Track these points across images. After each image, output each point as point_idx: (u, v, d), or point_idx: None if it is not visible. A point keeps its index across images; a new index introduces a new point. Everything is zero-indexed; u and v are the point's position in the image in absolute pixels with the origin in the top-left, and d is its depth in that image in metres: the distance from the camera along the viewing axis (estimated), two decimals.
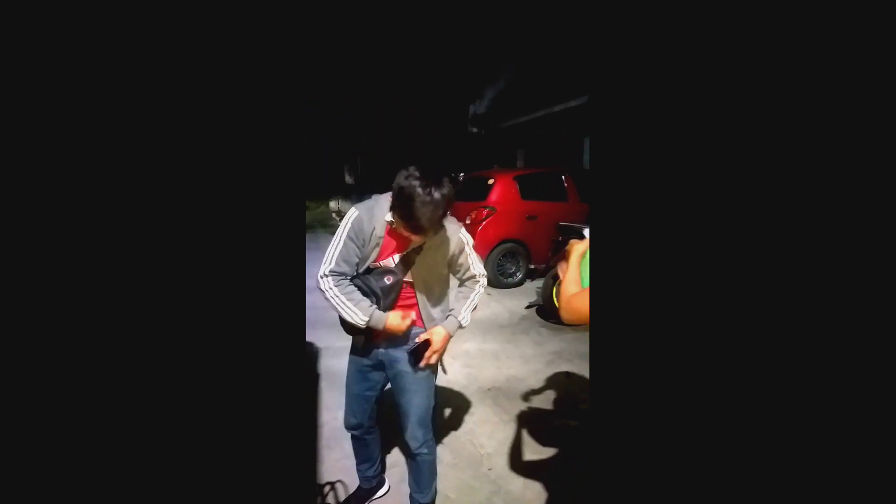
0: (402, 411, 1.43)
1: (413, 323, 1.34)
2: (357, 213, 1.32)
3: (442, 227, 1.28)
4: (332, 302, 1.31)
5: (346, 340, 3.45)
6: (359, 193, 12.08)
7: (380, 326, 1.30)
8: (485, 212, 4.61)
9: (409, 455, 1.49)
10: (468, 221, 4.71)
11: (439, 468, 1.86)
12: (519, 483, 1.77)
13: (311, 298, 3.67)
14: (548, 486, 1.75)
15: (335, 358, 2.99)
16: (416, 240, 1.25)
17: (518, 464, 1.88)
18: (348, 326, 1.36)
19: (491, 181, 4.83)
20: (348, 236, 1.31)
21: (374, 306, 1.30)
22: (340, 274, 1.32)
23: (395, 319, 1.30)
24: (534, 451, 1.96)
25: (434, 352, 1.33)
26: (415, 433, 1.42)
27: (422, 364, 1.34)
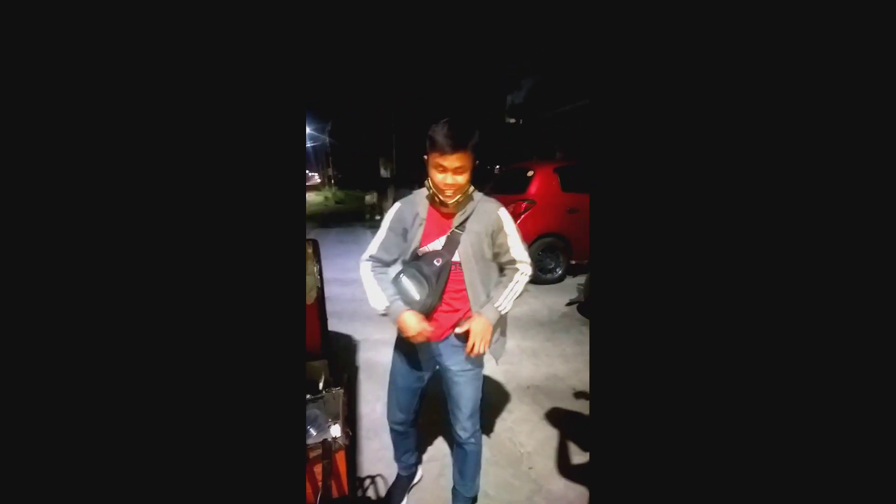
0: (453, 402, 1.43)
1: (428, 338, 1.32)
2: (399, 205, 1.39)
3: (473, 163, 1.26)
4: (364, 285, 1.36)
5: (384, 333, 3.49)
6: (396, 186, 12.21)
7: (393, 318, 1.31)
8: (524, 205, 4.52)
9: (457, 445, 1.49)
10: None
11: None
12: (560, 484, 1.73)
13: (349, 291, 3.75)
14: (590, 488, 1.70)
15: (373, 350, 3.03)
16: (443, 183, 1.24)
17: (559, 464, 1.84)
18: None
19: (530, 173, 4.72)
20: (390, 227, 1.38)
21: (398, 297, 1.32)
22: (379, 261, 1.38)
23: (410, 319, 1.28)
24: (575, 452, 1.91)
25: (477, 341, 1.30)
26: (465, 424, 1.43)
27: (468, 354, 1.32)
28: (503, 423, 2.15)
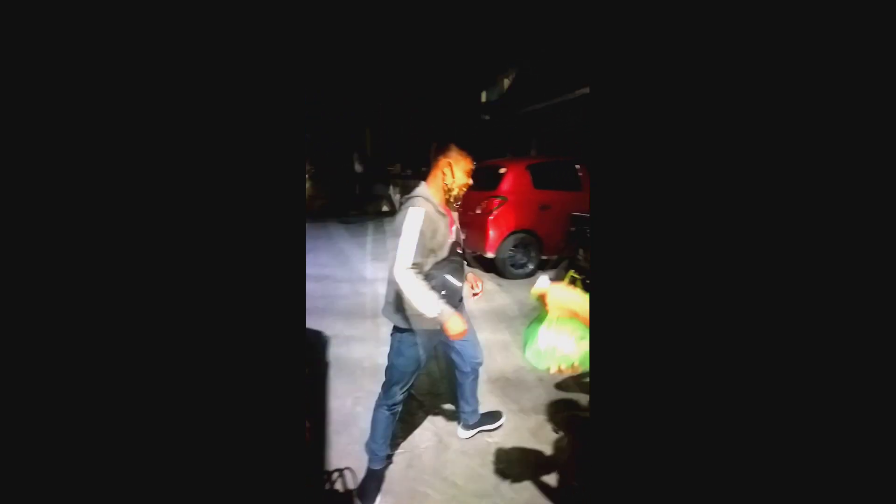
0: (462, 360, 1.87)
1: (465, 332, 1.53)
2: (423, 209, 1.50)
3: None
4: (410, 293, 1.46)
5: (355, 329, 3.48)
6: (368, 183, 12.10)
7: (443, 320, 1.46)
8: (496, 201, 4.57)
9: (462, 373, 1.89)
10: (479, 211, 4.67)
11: (447, 456, 1.87)
12: (527, 472, 1.77)
13: (321, 287, 3.75)
14: (556, 476, 1.75)
15: (344, 346, 3.02)
16: (468, 182, 1.65)
17: (526, 453, 1.88)
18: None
19: (503, 170, 4.77)
20: (422, 231, 1.48)
21: (444, 301, 1.48)
22: (417, 266, 1.49)
23: (458, 320, 1.48)
24: (542, 441, 1.96)
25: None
26: (473, 364, 1.90)
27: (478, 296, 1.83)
28: None
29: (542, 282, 0.95)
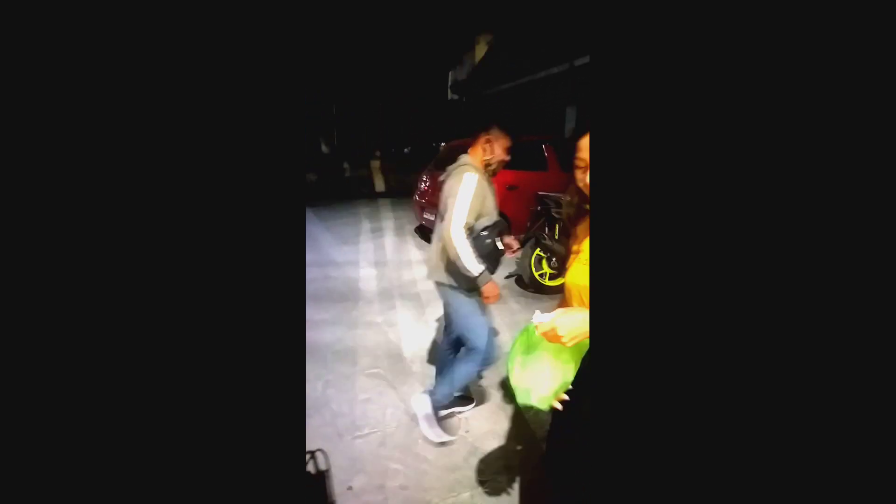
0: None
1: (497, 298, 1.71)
2: (475, 176, 1.65)
3: None
4: (460, 252, 1.62)
5: (325, 313, 3.45)
6: (335, 164, 11.84)
7: (483, 283, 1.65)
8: None
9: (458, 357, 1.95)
10: None
11: (417, 433, 1.92)
12: (494, 444, 1.84)
13: None
14: (523, 448, 1.83)
15: (315, 330, 3.01)
16: (505, 158, 1.81)
17: (494, 427, 1.95)
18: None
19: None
20: (475, 196, 1.63)
21: (486, 263, 1.67)
22: (468, 227, 1.65)
23: (493, 287, 1.68)
24: (510, 415, 2.04)
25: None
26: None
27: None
28: None
29: (543, 317, 0.87)
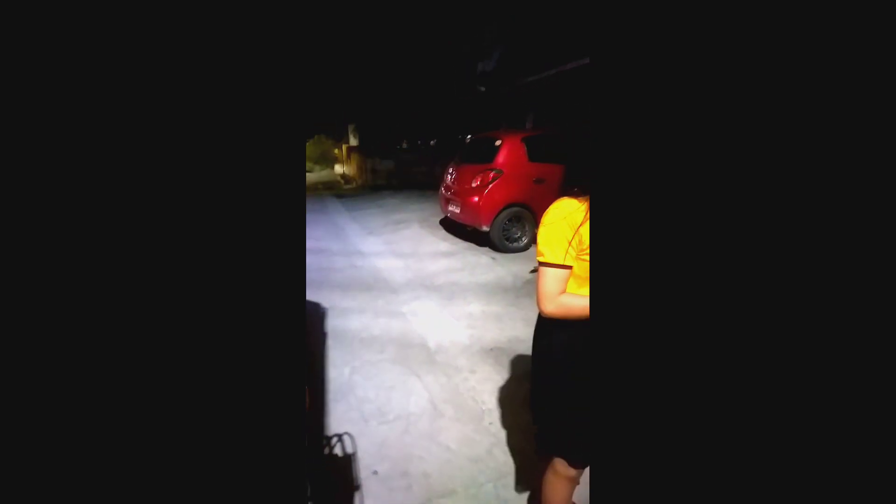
0: None
1: None
2: None
3: None
4: None
5: (352, 301, 3.51)
6: (366, 155, 11.93)
7: None
8: (491, 174, 4.55)
9: None
10: (474, 184, 4.66)
11: (441, 423, 1.94)
12: (519, 437, 1.85)
13: (317, 260, 3.77)
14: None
15: (341, 318, 3.07)
16: None
17: (518, 419, 1.95)
18: None
19: (498, 142, 4.73)
20: None
21: None
22: None
23: None
24: None
25: None
26: None
27: None
28: (466, 382, 2.25)
29: None
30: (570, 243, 0.94)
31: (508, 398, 2.11)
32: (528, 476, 1.64)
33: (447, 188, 5.28)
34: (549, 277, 0.97)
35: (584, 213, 0.94)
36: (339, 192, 10.07)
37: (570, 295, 0.98)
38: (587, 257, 0.94)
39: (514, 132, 5.11)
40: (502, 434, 1.87)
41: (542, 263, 0.98)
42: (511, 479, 1.62)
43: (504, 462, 1.71)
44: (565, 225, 0.95)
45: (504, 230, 4.62)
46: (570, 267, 0.96)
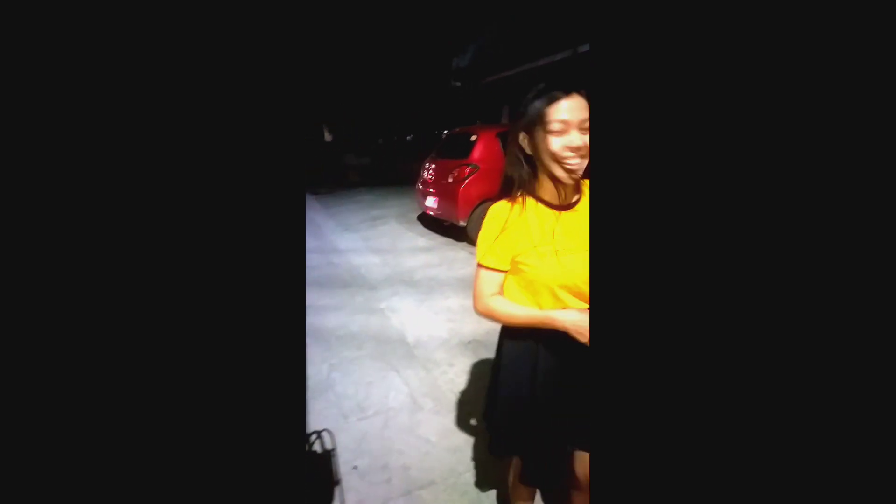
0: None
1: None
2: None
3: None
4: None
5: (330, 298, 3.48)
6: (338, 154, 11.79)
7: None
8: (467, 169, 4.57)
9: None
10: (450, 179, 4.67)
11: (420, 415, 1.95)
12: None
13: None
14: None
15: (318, 315, 3.04)
16: None
17: None
18: None
19: (473, 137, 4.75)
20: None
21: None
22: None
23: None
24: None
25: None
26: None
27: None
28: (445, 375, 2.27)
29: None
30: (495, 241, 0.93)
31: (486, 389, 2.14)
32: (507, 463, 1.67)
33: (424, 183, 5.28)
34: (479, 277, 0.98)
35: (508, 213, 0.93)
36: (313, 188, 9.93)
37: (500, 298, 0.97)
38: (527, 267, 0.92)
39: (488, 127, 5.14)
40: (481, 424, 1.90)
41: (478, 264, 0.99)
42: (490, 467, 1.65)
43: (482, 451, 1.74)
44: (493, 225, 0.94)
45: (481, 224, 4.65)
46: (497, 269, 0.95)
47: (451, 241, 4.92)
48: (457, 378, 2.24)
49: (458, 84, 11.47)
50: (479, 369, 2.30)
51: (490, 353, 2.46)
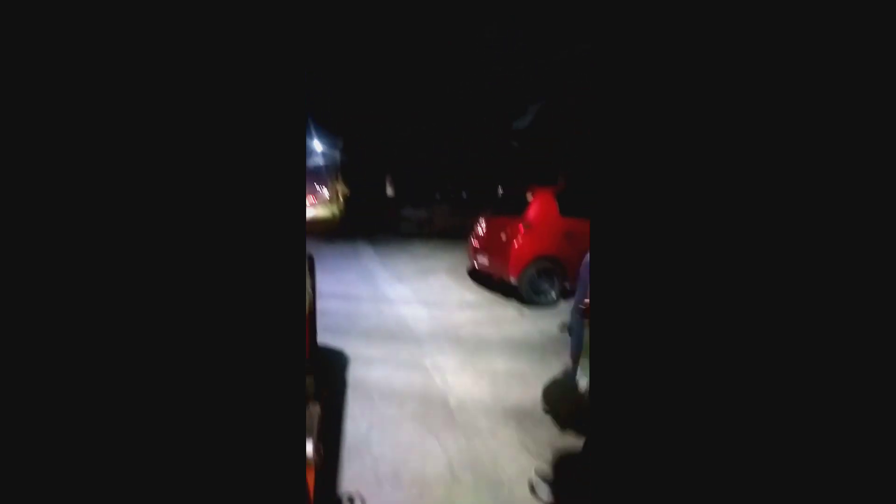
0: None
1: None
2: None
3: None
4: None
5: (377, 349, 3.48)
6: (398, 207, 12.28)
7: None
8: (521, 227, 4.56)
9: None
10: (504, 236, 4.67)
11: (457, 490, 1.83)
12: None
13: (346, 305, 3.77)
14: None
15: (364, 367, 3.03)
16: None
17: (538, 496, 1.82)
18: None
19: (530, 196, 4.78)
20: None
21: None
22: None
23: None
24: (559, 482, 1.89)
25: None
26: None
27: None
28: (486, 446, 2.14)
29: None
30: None
31: (530, 468, 1.98)
32: None
33: (477, 239, 5.32)
34: None
35: None
36: (371, 237, 10.32)
37: None
38: None
39: (545, 187, 5.16)
40: None
41: None
42: None
43: None
44: None
45: (532, 283, 4.56)
46: None
47: (500, 298, 4.84)
48: (499, 451, 2.10)
49: (517, 144, 11.77)
50: (522, 443, 2.15)
51: (536, 425, 2.30)
